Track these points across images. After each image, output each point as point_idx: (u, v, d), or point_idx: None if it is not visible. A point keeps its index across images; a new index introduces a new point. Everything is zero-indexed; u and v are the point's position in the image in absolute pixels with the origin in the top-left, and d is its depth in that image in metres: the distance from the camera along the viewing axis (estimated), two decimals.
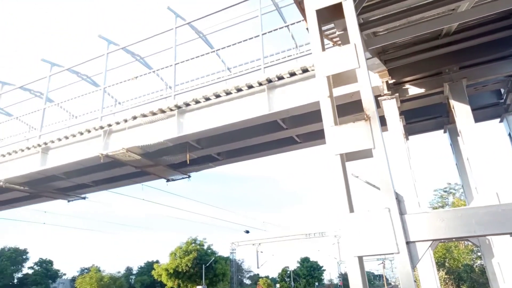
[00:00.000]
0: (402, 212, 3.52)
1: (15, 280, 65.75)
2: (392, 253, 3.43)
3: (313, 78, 9.18)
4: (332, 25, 5.26)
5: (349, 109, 8.28)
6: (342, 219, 3.50)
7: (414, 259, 3.55)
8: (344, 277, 70.87)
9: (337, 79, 4.22)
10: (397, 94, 7.89)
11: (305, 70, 9.04)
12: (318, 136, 11.66)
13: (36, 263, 67.06)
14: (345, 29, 4.40)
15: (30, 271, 66.53)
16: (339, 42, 5.48)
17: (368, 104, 3.62)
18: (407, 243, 3.53)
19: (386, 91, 7.82)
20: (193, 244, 50.53)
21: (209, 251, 51.89)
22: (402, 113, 8.65)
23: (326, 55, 4.03)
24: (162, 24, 11.40)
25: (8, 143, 13.80)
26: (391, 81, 8.11)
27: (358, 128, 3.66)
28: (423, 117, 10.12)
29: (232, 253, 51.22)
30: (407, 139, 10.02)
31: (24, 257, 67.48)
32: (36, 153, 12.79)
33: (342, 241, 3.47)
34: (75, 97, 12.52)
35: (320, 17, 4.23)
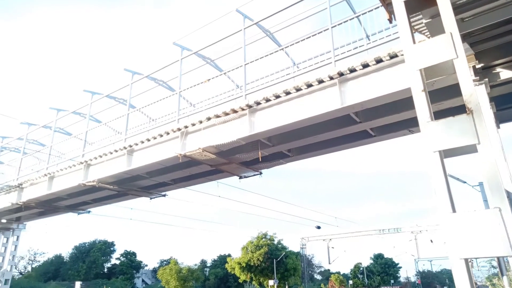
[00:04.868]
0: None
1: (105, 269, 72.86)
2: (505, 256, 3.14)
3: (388, 68, 8.79)
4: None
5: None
6: (444, 220, 3.29)
7: None
8: (422, 275, 66.64)
9: (428, 71, 3.96)
10: (487, 79, 7.25)
11: (379, 61, 8.66)
12: (394, 129, 11.13)
13: (122, 255, 73.53)
14: (433, 17, 4.12)
15: (117, 262, 73.15)
16: (423, 30, 5.14)
17: (470, 96, 3.33)
18: None
19: (473, 77, 7.21)
20: (263, 239, 51.44)
21: (280, 246, 52.43)
22: (492, 99, 7.92)
23: (418, 47, 3.75)
24: (230, 25, 11.68)
25: (97, 147, 15.26)
26: (478, 66, 7.46)
27: (459, 123, 3.38)
28: None
29: (302, 248, 51.11)
30: (498, 127, 9.14)
31: (112, 249, 74.46)
32: (122, 155, 14.00)
33: (447, 242, 3.26)
34: (154, 102, 13.42)
35: (408, 8, 3.93)
